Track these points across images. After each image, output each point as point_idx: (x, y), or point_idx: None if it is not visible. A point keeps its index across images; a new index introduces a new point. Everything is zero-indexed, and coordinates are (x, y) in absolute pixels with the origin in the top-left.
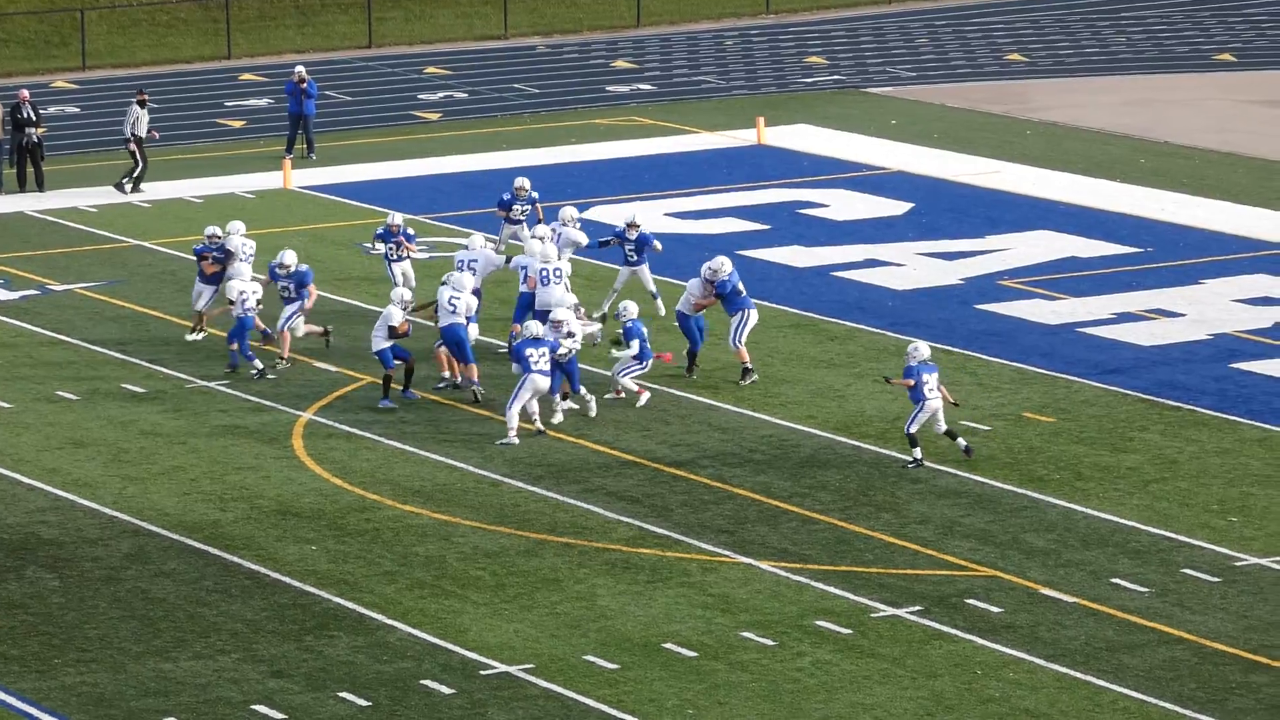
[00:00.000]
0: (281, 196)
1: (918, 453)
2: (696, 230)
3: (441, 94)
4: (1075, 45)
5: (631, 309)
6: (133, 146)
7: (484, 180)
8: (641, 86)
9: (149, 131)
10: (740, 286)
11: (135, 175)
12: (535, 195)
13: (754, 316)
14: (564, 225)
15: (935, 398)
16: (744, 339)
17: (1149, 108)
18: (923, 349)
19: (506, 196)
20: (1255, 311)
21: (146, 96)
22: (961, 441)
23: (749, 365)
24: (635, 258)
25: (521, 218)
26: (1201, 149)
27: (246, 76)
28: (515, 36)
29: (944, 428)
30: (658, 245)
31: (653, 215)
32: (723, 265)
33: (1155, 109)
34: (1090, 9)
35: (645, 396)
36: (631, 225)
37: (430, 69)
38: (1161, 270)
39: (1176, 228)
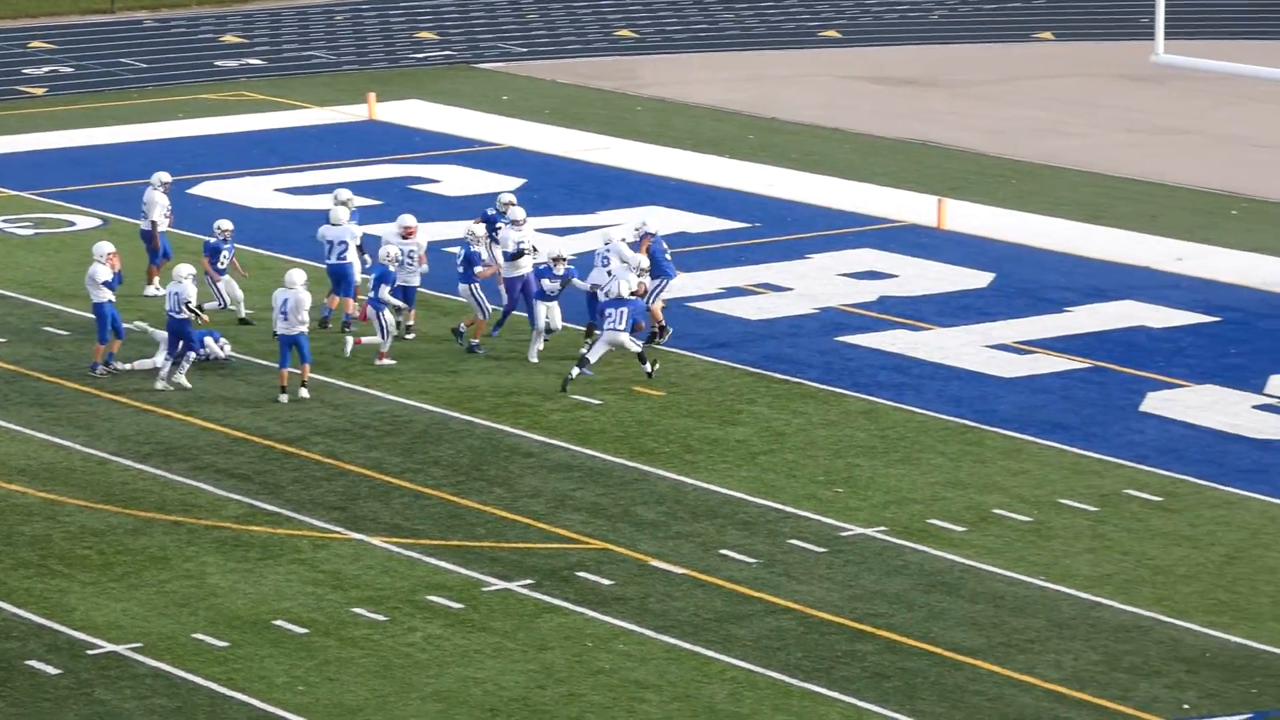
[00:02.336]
0: None
1: (573, 372)
2: (307, 206)
3: (47, 68)
4: (684, 22)
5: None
6: None
7: (88, 155)
8: (251, 61)
9: None
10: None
11: None
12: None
13: (669, 285)
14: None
15: (613, 330)
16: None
17: (757, 84)
18: (617, 288)
19: (491, 212)
20: (860, 285)
21: None
22: (648, 367)
23: (664, 324)
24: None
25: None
26: (808, 125)
27: None
28: (123, 11)
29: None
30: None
31: (263, 191)
32: (645, 223)
33: (763, 85)
34: None
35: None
36: (558, 260)
37: (35, 43)
38: (769, 245)
39: (784, 203)
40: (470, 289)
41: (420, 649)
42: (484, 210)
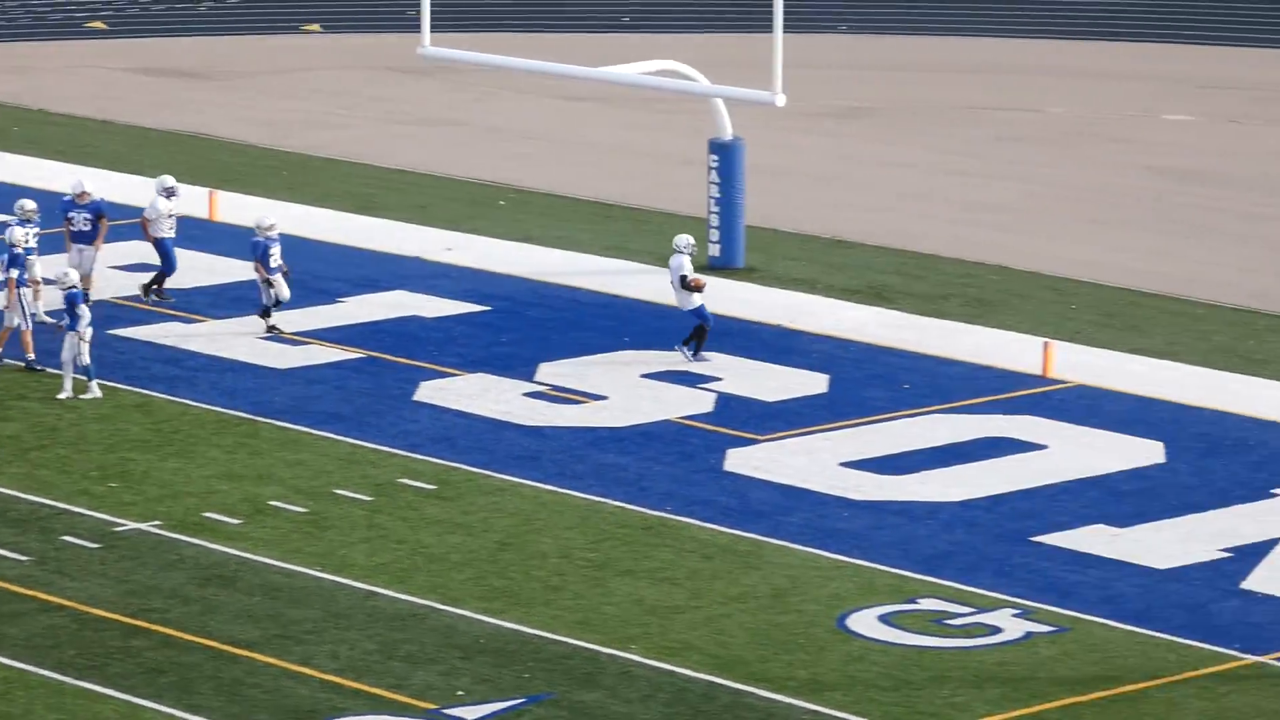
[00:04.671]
0: None
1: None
2: None
3: None
4: None
5: None
6: None
7: None
8: None
9: None
10: None
11: None
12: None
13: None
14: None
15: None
16: None
17: (23, 75)
18: (266, 219)
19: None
20: (131, 277)
21: None
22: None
23: None
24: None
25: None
26: (78, 117)
27: None
28: None
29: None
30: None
31: None
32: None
33: (29, 77)
34: None
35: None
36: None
37: None
38: (54, 236)
39: (55, 196)
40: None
41: None
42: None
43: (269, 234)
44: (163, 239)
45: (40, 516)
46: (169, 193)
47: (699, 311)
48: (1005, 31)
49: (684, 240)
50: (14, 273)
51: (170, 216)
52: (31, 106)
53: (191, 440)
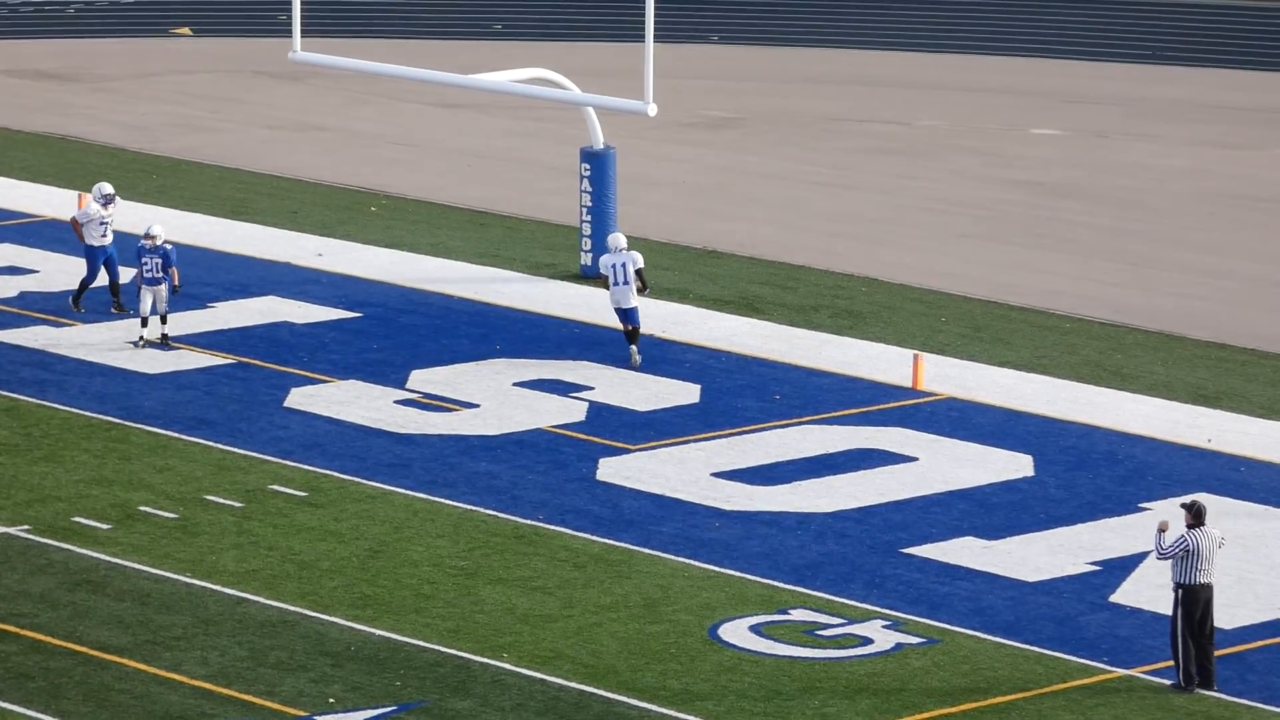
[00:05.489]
0: None
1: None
2: None
3: None
4: None
5: None
6: None
7: None
8: None
9: None
10: None
11: None
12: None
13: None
14: None
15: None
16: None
17: None
18: (152, 228)
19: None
20: (0, 281)
21: None
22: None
23: None
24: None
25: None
26: None
27: None
28: None
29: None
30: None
31: None
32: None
33: None
34: None
35: None
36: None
37: None
38: None
39: None
40: None
41: None
42: None
43: (144, 243)
44: (92, 247)
45: None
46: (106, 200)
47: (634, 312)
48: (873, 44)
49: (623, 238)
50: None
51: (103, 224)
52: None
53: (60, 444)
